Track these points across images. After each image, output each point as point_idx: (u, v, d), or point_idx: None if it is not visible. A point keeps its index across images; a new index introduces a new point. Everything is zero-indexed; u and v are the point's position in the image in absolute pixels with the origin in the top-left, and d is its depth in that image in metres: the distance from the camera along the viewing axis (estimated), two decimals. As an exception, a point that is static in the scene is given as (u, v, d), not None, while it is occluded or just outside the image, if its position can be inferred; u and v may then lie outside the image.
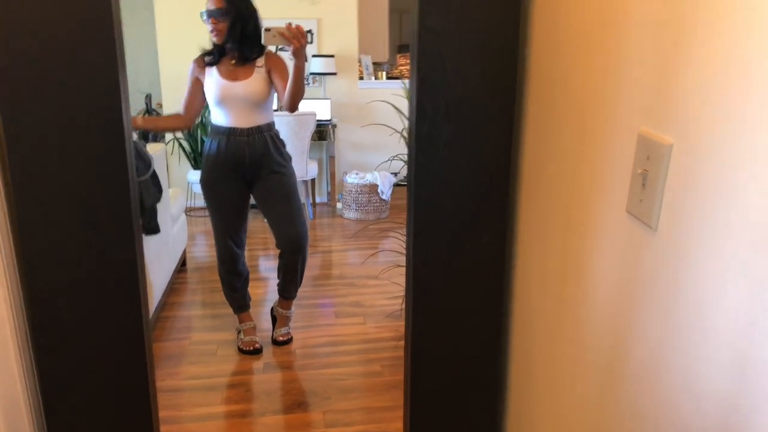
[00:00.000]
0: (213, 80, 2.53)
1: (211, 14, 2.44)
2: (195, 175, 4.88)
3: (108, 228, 1.26)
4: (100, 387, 1.36)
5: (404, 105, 3.12)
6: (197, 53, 2.61)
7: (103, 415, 1.38)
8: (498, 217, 1.35)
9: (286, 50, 5.11)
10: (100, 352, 1.34)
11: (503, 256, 1.39)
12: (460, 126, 1.27)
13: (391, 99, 3.36)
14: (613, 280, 0.97)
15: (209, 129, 2.70)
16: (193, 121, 2.68)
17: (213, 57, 2.53)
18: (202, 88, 2.61)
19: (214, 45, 2.53)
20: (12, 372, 1.29)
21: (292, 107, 2.50)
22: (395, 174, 5.24)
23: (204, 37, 2.60)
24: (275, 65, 2.56)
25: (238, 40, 2.48)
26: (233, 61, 2.53)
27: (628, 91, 0.91)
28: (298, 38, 2.26)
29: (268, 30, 2.30)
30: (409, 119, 1.34)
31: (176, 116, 2.68)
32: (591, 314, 1.05)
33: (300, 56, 2.32)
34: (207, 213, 2.78)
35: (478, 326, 1.44)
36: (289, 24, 2.27)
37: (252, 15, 2.51)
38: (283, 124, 4.47)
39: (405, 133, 2.67)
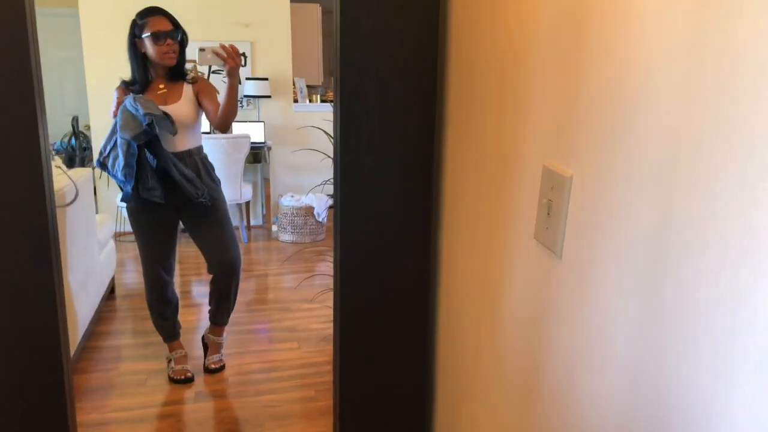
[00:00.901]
0: (141, 105, 2.49)
1: (169, 36, 2.40)
2: (124, 199, 4.75)
3: (25, 257, 1.23)
4: (16, 426, 1.31)
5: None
6: (125, 74, 2.56)
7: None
8: (421, 242, 1.40)
9: (219, 72, 5.09)
10: (17, 389, 1.29)
11: (427, 278, 1.43)
12: (382, 155, 1.31)
13: (323, 123, 3.39)
14: (525, 304, 1.02)
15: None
16: None
17: (139, 87, 2.49)
18: None
19: (139, 73, 2.48)
20: None
21: (225, 127, 2.49)
22: (331, 196, 5.26)
23: (125, 62, 2.52)
24: (203, 88, 2.55)
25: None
26: (161, 86, 2.50)
27: (534, 127, 0.97)
28: (233, 57, 2.26)
29: (202, 50, 2.29)
30: (334, 149, 1.37)
31: None
32: (507, 339, 1.10)
33: (234, 76, 2.32)
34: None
35: (405, 350, 1.47)
36: (222, 44, 2.28)
37: (186, 35, 2.51)
38: (217, 146, 4.43)
39: (336, 158, 2.70)
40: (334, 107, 1.34)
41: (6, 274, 1.23)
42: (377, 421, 1.52)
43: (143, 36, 2.39)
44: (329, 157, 2.92)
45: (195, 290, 3.95)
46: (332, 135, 2.87)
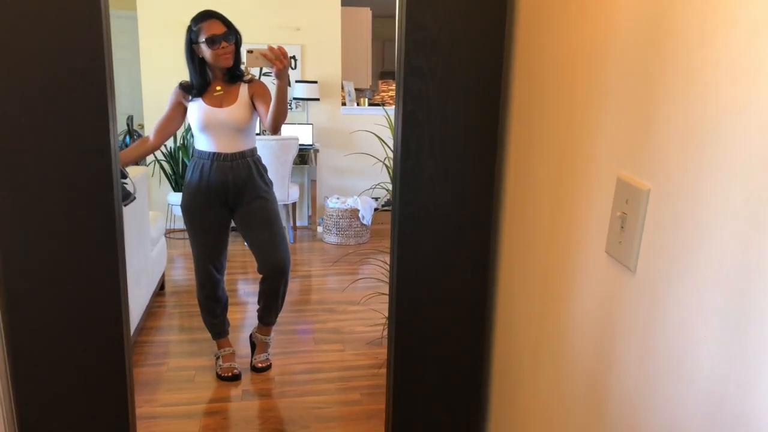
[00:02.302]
0: (197, 107, 2.54)
1: (223, 38, 2.45)
2: (175, 197, 4.86)
3: (92, 252, 1.26)
4: (80, 416, 1.34)
5: (387, 134, 3.16)
6: (179, 76, 2.61)
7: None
8: (481, 251, 1.38)
9: (269, 74, 5.16)
10: (80, 379, 1.32)
11: (486, 289, 1.41)
12: (443, 162, 1.30)
13: (373, 127, 3.40)
14: (592, 320, 0.99)
15: (191, 153, 2.70)
16: (161, 145, 2.64)
17: (198, 90, 2.54)
18: (183, 113, 2.60)
19: (196, 78, 2.53)
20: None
21: (276, 128, 2.52)
22: (376, 199, 5.27)
23: (180, 64, 2.57)
24: (257, 90, 2.59)
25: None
26: (218, 88, 2.55)
27: (608, 136, 0.94)
28: (280, 59, 2.28)
29: (250, 52, 2.32)
30: (394, 154, 1.37)
31: (142, 143, 2.63)
32: (570, 354, 1.07)
33: (283, 77, 2.35)
34: (187, 236, 2.76)
35: (460, 360, 1.46)
36: (271, 45, 2.30)
37: (240, 36, 2.55)
38: (266, 148, 4.48)
39: (387, 162, 2.70)
40: (396, 112, 1.34)
41: (78, 266, 1.26)
42: (429, 425, 1.51)
43: (199, 41, 2.44)
44: (381, 161, 2.93)
45: (241, 289, 4.01)
46: (383, 139, 2.88)
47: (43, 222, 1.22)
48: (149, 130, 5.13)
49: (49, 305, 1.27)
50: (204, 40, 2.43)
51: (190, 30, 2.48)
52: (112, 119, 1.20)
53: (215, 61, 2.47)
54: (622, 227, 0.89)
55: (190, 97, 2.55)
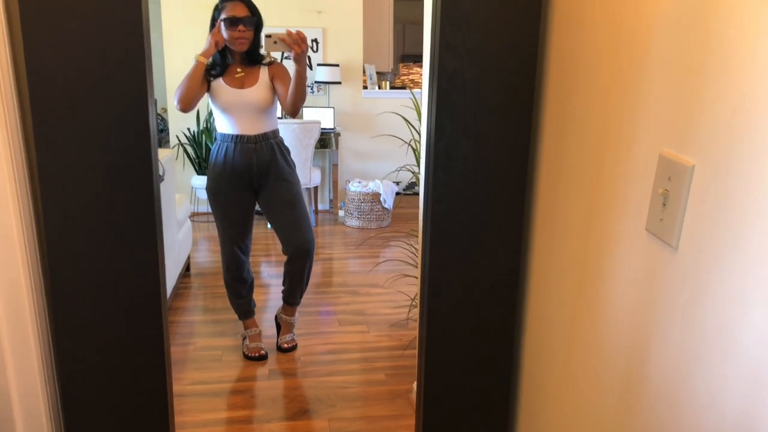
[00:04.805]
0: (219, 87, 2.54)
1: (241, 22, 2.45)
2: (199, 180, 4.90)
3: (132, 231, 1.28)
4: (119, 389, 1.37)
5: (412, 116, 3.15)
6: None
7: (122, 416, 1.39)
8: (514, 232, 1.38)
9: (289, 58, 5.16)
10: (121, 356, 1.35)
11: (518, 271, 1.42)
12: (477, 142, 1.30)
13: (396, 109, 3.39)
14: (631, 297, 0.99)
15: (214, 136, 2.71)
16: (189, 109, 2.58)
17: (218, 70, 2.54)
18: (206, 84, 2.57)
19: (218, 57, 2.53)
20: (33, 374, 1.31)
21: (294, 111, 2.53)
22: (397, 183, 5.27)
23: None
24: (277, 72, 2.59)
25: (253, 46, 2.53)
26: (239, 69, 2.56)
27: (650, 112, 0.94)
28: (298, 43, 2.28)
29: (269, 36, 2.31)
30: (426, 134, 1.37)
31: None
32: (608, 332, 1.08)
33: (301, 62, 2.35)
34: (211, 219, 2.78)
35: (492, 340, 1.46)
36: (289, 30, 2.30)
37: (262, 22, 2.55)
38: (288, 131, 4.50)
39: (414, 144, 2.69)
40: (429, 91, 1.33)
41: (118, 241, 1.28)
42: (460, 412, 1.52)
43: (220, 19, 2.45)
44: (407, 143, 2.93)
45: (265, 271, 4.04)
46: (409, 121, 2.87)
47: (85, 201, 1.24)
48: (173, 115, 5.17)
49: (91, 281, 1.29)
50: (224, 18, 2.44)
51: (216, 7, 2.49)
52: (150, 99, 1.22)
53: (231, 43, 2.47)
54: (664, 204, 0.89)
55: (212, 78, 2.55)
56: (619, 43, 1.03)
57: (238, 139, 2.59)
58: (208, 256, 4.32)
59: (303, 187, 4.69)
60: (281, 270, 2.83)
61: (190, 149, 5.25)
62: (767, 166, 0.69)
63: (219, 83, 2.55)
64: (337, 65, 5.25)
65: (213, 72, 2.55)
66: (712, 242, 0.79)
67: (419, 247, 1.58)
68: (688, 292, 0.84)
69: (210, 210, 2.74)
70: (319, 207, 5.55)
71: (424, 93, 1.45)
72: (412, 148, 2.69)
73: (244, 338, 2.87)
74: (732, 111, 0.75)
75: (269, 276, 3.94)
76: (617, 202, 1.04)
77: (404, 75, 7.05)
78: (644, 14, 0.95)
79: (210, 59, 2.52)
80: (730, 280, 0.76)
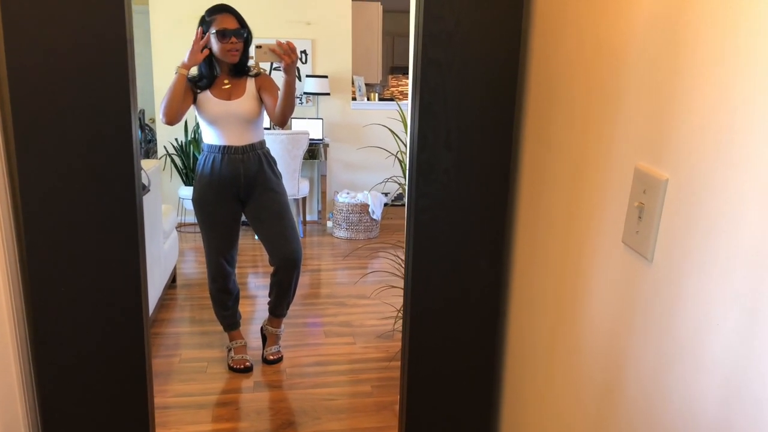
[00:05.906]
0: (206, 99, 2.55)
1: (233, 34, 2.46)
2: (186, 191, 4.89)
3: (113, 241, 1.28)
4: (100, 402, 1.36)
5: (399, 128, 3.17)
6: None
7: (103, 429, 1.38)
8: (496, 243, 1.39)
9: (279, 69, 5.17)
10: (101, 368, 1.34)
11: (500, 281, 1.42)
12: (459, 154, 1.31)
13: (384, 121, 3.41)
14: (609, 308, 1.00)
15: (201, 147, 2.71)
16: (175, 122, 2.55)
17: (205, 82, 2.55)
18: (192, 96, 2.57)
19: (205, 68, 2.53)
20: (12, 387, 1.30)
21: (283, 122, 2.53)
22: (386, 194, 5.28)
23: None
24: (264, 83, 2.60)
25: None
26: (226, 81, 2.56)
27: (625, 126, 0.95)
28: (288, 54, 2.29)
29: (259, 47, 2.32)
30: (410, 146, 1.38)
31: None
32: (587, 341, 1.08)
33: (291, 72, 2.36)
34: (198, 230, 2.77)
35: (474, 350, 1.47)
36: (279, 41, 2.31)
37: (251, 35, 2.56)
38: (276, 142, 4.50)
39: (400, 156, 2.71)
40: (412, 104, 1.35)
41: (99, 251, 1.28)
42: (443, 423, 1.52)
43: (210, 32, 2.45)
44: (393, 155, 2.94)
45: (251, 282, 4.03)
46: (395, 133, 2.89)
47: (66, 211, 1.24)
48: (160, 124, 5.15)
49: (71, 292, 1.29)
50: (215, 31, 2.44)
51: (203, 20, 2.49)
52: (133, 105, 1.22)
53: (222, 55, 2.48)
54: (639, 217, 0.90)
55: (198, 90, 2.55)
56: (595, 58, 1.04)
57: (226, 150, 2.59)
58: (195, 267, 4.30)
59: (291, 197, 4.69)
60: (268, 281, 2.82)
61: (177, 160, 5.24)
62: (736, 180, 0.71)
63: (206, 95, 2.55)
64: (326, 77, 5.27)
65: (200, 84, 2.55)
66: (685, 254, 0.80)
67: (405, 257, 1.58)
68: (663, 303, 0.85)
69: (196, 221, 2.72)
70: (308, 218, 5.54)
71: (409, 105, 1.47)
72: (399, 159, 2.71)
73: (230, 350, 2.85)
74: (702, 126, 0.77)
75: (256, 287, 3.93)
76: (595, 215, 1.05)
77: (393, 87, 7.08)
78: (621, 32, 0.96)
79: (194, 71, 2.53)
80: (702, 291, 0.77)
